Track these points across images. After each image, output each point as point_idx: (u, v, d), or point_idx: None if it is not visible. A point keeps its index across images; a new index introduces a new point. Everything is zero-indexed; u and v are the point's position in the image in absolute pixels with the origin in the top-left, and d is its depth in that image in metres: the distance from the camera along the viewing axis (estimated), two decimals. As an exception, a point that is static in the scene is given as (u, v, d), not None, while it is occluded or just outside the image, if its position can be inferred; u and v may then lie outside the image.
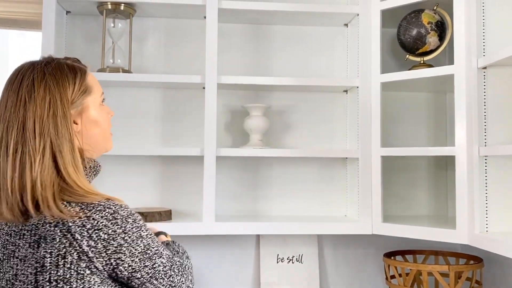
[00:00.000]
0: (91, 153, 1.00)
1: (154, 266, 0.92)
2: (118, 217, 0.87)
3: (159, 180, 1.80)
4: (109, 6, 1.66)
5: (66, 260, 0.83)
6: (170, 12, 1.78)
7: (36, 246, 0.84)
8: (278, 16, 1.79)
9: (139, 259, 0.89)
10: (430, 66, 1.65)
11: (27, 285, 0.84)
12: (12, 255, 0.87)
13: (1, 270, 0.89)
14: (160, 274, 0.92)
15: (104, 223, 0.85)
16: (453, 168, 1.49)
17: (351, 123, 1.83)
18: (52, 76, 0.92)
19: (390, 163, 1.79)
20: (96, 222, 0.85)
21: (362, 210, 1.67)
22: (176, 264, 0.97)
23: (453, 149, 1.49)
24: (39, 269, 0.83)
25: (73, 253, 0.83)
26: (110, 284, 0.88)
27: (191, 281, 1.01)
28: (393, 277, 1.67)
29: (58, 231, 0.84)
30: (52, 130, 0.88)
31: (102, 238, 0.85)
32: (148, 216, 1.60)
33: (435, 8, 1.65)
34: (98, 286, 0.86)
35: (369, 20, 1.69)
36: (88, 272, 0.84)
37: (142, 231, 0.91)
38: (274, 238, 1.83)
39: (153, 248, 0.92)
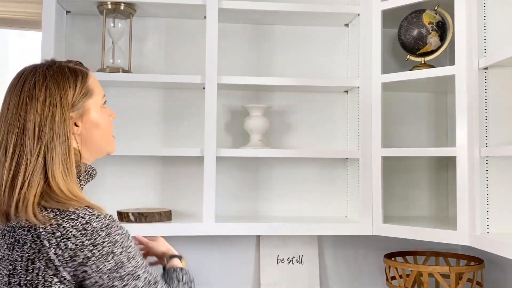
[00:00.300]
0: (88, 158, 1.00)
1: (126, 286, 0.87)
2: (89, 228, 0.84)
3: (159, 181, 1.80)
4: (109, 6, 1.65)
5: (35, 265, 0.83)
6: (170, 12, 1.78)
7: (11, 248, 0.85)
8: (278, 16, 1.78)
9: (107, 276, 0.85)
10: (431, 66, 1.65)
11: (2, 285, 0.85)
12: None
13: None
14: None
15: (73, 233, 0.83)
16: (454, 169, 1.48)
17: (351, 123, 1.82)
18: (53, 79, 0.92)
19: (390, 164, 1.78)
20: (65, 230, 0.83)
21: (363, 211, 1.66)
22: None
23: (454, 149, 1.48)
24: (11, 272, 0.84)
25: (41, 260, 0.83)
26: None
27: None
28: (393, 278, 1.66)
29: (30, 236, 0.84)
30: (48, 133, 0.88)
31: (69, 247, 0.83)
32: (148, 216, 1.60)
33: (436, 8, 1.64)
34: None
35: (370, 20, 1.68)
36: (56, 280, 0.83)
37: (116, 247, 0.86)
38: (274, 239, 1.83)
39: (127, 268, 0.87)
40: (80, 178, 0.97)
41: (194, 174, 1.77)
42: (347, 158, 1.84)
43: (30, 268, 0.83)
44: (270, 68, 1.87)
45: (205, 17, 1.66)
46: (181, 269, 1.10)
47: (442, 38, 1.64)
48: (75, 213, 0.85)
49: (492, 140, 1.40)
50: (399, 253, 1.77)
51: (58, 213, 0.85)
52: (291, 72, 1.87)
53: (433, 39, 1.62)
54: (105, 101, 1.03)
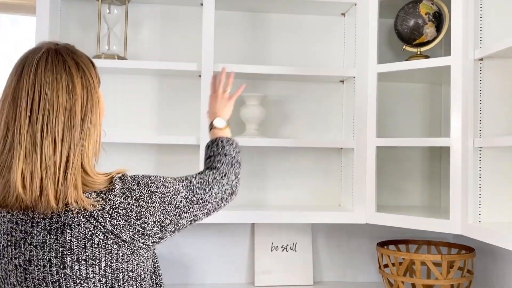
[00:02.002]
0: None
1: (176, 205, 0.98)
2: (126, 191, 0.93)
3: (154, 169, 1.79)
4: (105, -8, 1.64)
5: (93, 241, 0.89)
6: (166, -1, 1.76)
7: (59, 232, 0.89)
8: (275, 4, 1.77)
9: (160, 211, 0.95)
10: (427, 57, 1.66)
11: (49, 268, 0.89)
12: (22, 242, 0.90)
13: (5, 256, 0.92)
14: (186, 208, 1.00)
15: (118, 201, 0.91)
16: (447, 159, 1.50)
17: (347, 113, 1.83)
18: (85, 66, 0.94)
19: (385, 154, 1.80)
20: (112, 202, 0.91)
21: (356, 200, 1.68)
22: (195, 187, 1.03)
23: (448, 140, 1.50)
24: (65, 252, 0.88)
25: (99, 234, 0.89)
26: (139, 255, 0.94)
27: (229, 184, 1.12)
28: (386, 266, 1.69)
29: (82, 217, 0.89)
30: (90, 120, 0.91)
31: (121, 214, 0.91)
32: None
33: (433, -2, 1.65)
34: (128, 257, 0.92)
35: (367, 10, 1.68)
36: (115, 246, 0.91)
37: (151, 187, 0.96)
38: (268, 227, 1.84)
39: (168, 193, 0.97)
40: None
41: (189, 162, 1.77)
42: (341, 148, 1.85)
43: (88, 244, 0.89)
44: (266, 56, 1.87)
45: (201, 4, 1.65)
46: (216, 142, 1.20)
47: (438, 29, 1.64)
48: (109, 184, 0.93)
49: (485, 130, 1.41)
50: (391, 242, 1.79)
51: (98, 192, 0.91)
52: (287, 61, 1.86)
53: (429, 30, 1.63)
54: None
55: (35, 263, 0.89)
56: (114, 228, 0.90)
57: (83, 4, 1.76)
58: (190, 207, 1.01)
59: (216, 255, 1.84)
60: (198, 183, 1.05)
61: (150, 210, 0.94)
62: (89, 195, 0.90)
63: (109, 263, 0.90)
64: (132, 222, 0.92)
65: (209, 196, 1.05)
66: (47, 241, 0.89)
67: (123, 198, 0.92)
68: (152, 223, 0.94)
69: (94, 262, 0.89)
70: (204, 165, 1.20)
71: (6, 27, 2.23)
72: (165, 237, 0.98)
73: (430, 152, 1.92)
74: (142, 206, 0.93)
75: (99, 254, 0.89)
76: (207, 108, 1.37)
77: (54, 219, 0.89)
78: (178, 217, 0.98)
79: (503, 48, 1.28)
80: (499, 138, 1.34)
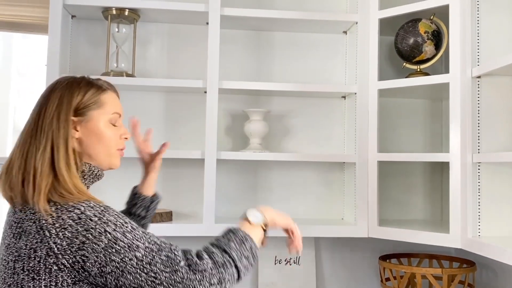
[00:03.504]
0: (95, 161, 1.07)
1: (123, 259, 0.90)
2: (83, 217, 0.92)
3: (160, 182, 1.83)
4: (114, 12, 1.70)
5: (37, 254, 0.91)
6: (173, 18, 1.82)
7: (18, 237, 0.94)
8: (278, 23, 1.82)
9: (103, 254, 0.90)
10: (427, 74, 1.70)
11: (7, 270, 0.94)
12: (3, 241, 0.99)
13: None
14: (133, 269, 0.90)
15: (69, 223, 0.92)
16: (448, 173, 1.53)
17: (348, 128, 1.86)
18: (69, 85, 1.05)
19: (386, 168, 1.83)
20: (63, 221, 0.92)
21: (359, 214, 1.71)
22: (161, 258, 0.92)
23: (448, 155, 1.52)
24: (16, 258, 0.93)
25: (42, 249, 0.91)
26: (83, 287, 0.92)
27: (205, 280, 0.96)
28: (388, 279, 1.71)
29: (35, 227, 0.93)
30: (55, 129, 1.00)
31: (66, 236, 0.91)
32: (149, 217, 1.64)
33: (431, 17, 1.69)
34: (68, 285, 0.91)
35: (368, 28, 1.73)
36: (55, 268, 0.91)
37: (109, 225, 0.91)
38: (272, 240, 1.86)
39: (122, 241, 0.91)
40: (85, 177, 1.05)
41: (195, 176, 1.81)
42: (344, 162, 1.89)
43: (32, 256, 0.91)
44: (269, 73, 1.91)
45: (207, 23, 1.71)
46: (232, 231, 1.05)
47: (437, 47, 1.68)
48: (72, 206, 0.94)
49: (484, 146, 1.44)
50: (393, 255, 1.81)
51: (59, 206, 0.94)
52: (290, 78, 1.91)
53: (428, 48, 1.67)
54: (117, 120, 1.10)
55: (3, 263, 0.96)
56: (55, 247, 0.90)
57: (93, 23, 1.82)
58: (139, 272, 0.90)
59: (220, 267, 1.86)
60: (170, 257, 0.93)
61: (93, 247, 0.90)
62: (49, 207, 0.93)
63: (48, 284, 0.90)
64: (73, 249, 0.90)
65: (169, 278, 0.91)
66: (11, 243, 0.95)
67: (76, 223, 0.91)
68: (93, 261, 0.90)
69: (35, 277, 0.90)
70: (211, 243, 1.07)
71: (17, 41, 2.29)
72: (108, 285, 0.91)
73: (431, 167, 1.95)
74: (88, 238, 0.90)
75: (40, 270, 0.90)
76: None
77: (18, 224, 0.96)
78: (121, 272, 0.90)
79: (500, 66, 1.32)
80: (497, 154, 1.37)
